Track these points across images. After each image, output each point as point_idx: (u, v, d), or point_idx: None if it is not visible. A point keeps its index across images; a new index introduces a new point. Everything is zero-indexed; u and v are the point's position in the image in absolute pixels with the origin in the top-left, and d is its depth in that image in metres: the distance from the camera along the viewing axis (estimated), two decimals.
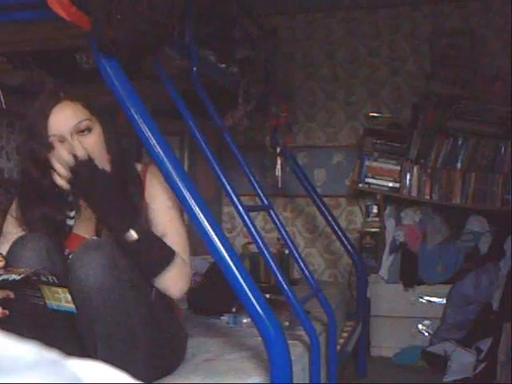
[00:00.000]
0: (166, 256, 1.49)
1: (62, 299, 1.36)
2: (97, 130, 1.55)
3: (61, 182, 1.47)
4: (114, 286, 1.36)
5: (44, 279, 1.35)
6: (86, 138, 1.52)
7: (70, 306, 1.36)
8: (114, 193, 1.48)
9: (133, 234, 1.43)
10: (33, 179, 1.55)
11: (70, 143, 1.49)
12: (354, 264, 3.28)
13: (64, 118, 1.51)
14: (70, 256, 1.47)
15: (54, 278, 1.35)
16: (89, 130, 1.53)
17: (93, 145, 1.52)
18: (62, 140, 1.50)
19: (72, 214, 1.61)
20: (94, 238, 1.53)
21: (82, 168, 1.46)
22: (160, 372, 1.58)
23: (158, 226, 1.57)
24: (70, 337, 1.46)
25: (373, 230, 3.73)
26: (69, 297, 1.36)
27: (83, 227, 1.61)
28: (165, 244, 1.51)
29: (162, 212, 1.59)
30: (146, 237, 1.47)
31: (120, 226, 1.45)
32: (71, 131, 1.50)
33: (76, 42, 1.66)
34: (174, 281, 1.50)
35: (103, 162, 1.53)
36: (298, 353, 1.82)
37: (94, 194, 1.47)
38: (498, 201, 3.57)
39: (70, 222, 1.61)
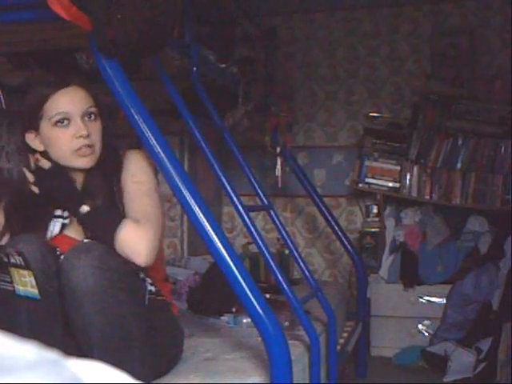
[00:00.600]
0: (115, 221, 1.49)
1: (27, 283, 1.39)
2: (99, 119, 1.60)
3: (34, 188, 1.56)
4: (106, 288, 1.36)
5: (13, 261, 1.37)
6: (92, 124, 1.56)
7: (34, 292, 1.38)
8: (64, 183, 1.56)
9: (84, 208, 1.50)
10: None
11: (79, 124, 1.53)
12: (354, 264, 3.28)
13: (76, 99, 1.55)
14: (61, 258, 1.46)
15: (20, 259, 1.37)
16: (95, 116, 1.58)
17: (97, 131, 1.57)
18: (68, 119, 1.53)
19: (66, 213, 1.61)
20: (85, 240, 1.53)
21: (43, 172, 1.56)
22: (158, 371, 1.57)
23: (125, 202, 1.57)
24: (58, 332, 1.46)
25: (373, 229, 3.73)
26: (33, 281, 1.38)
27: (74, 229, 1.61)
28: (116, 212, 1.54)
29: (130, 190, 1.59)
30: (97, 208, 1.53)
31: (73, 204, 1.53)
32: (81, 113, 1.54)
33: (76, 41, 1.66)
34: (128, 244, 1.45)
35: (99, 151, 1.59)
36: (298, 353, 1.82)
37: (52, 188, 1.56)
38: (498, 201, 3.57)
39: (65, 221, 1.61)
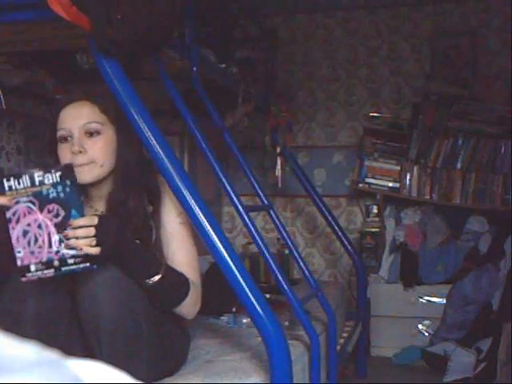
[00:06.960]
0: (183, 289, 1.52)
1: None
2: (108, 135, 1.56)
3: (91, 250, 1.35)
4: (120, 279, 1.38)
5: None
6: (93, 141, 1.54)
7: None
8: (136, 245, 1.45)
9: (155, 278, 1.44)
10: None
11: (74, 140, 1.52)
12: (354, 264, 3.28)
13: (76, 115, 1.54)
14: None
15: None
16: (98, 133, 1.54)
17: (98, 149, 1.53)
18: (70, 136, 1.53)
19: None
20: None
21: (109, 227, 1.37)
22: (161, 372, 1.58)
23: (168, 243, 1.59)
24: (71, 333, 1.46)
25: (373, 229, 3.73)
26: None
27: None
28: (181, 276, 1.53)
29: (174, 229, 1.60)
30: (167, 276, 1.47)
31: (144, 274, 1.44)
32: (79, 129, 1.53)
33: (76, 42, 1.66)
34: (190, 308, 1.57)
35: (106, 168, 1.55)
36: (298, 353, 1.82)
37: (118, 250, 1.40)
38: (498, 201, 3.57)
39: None
